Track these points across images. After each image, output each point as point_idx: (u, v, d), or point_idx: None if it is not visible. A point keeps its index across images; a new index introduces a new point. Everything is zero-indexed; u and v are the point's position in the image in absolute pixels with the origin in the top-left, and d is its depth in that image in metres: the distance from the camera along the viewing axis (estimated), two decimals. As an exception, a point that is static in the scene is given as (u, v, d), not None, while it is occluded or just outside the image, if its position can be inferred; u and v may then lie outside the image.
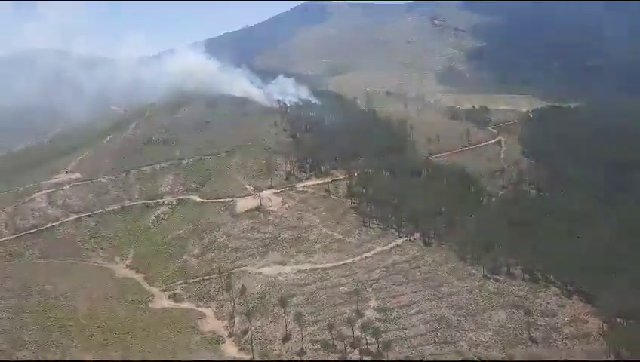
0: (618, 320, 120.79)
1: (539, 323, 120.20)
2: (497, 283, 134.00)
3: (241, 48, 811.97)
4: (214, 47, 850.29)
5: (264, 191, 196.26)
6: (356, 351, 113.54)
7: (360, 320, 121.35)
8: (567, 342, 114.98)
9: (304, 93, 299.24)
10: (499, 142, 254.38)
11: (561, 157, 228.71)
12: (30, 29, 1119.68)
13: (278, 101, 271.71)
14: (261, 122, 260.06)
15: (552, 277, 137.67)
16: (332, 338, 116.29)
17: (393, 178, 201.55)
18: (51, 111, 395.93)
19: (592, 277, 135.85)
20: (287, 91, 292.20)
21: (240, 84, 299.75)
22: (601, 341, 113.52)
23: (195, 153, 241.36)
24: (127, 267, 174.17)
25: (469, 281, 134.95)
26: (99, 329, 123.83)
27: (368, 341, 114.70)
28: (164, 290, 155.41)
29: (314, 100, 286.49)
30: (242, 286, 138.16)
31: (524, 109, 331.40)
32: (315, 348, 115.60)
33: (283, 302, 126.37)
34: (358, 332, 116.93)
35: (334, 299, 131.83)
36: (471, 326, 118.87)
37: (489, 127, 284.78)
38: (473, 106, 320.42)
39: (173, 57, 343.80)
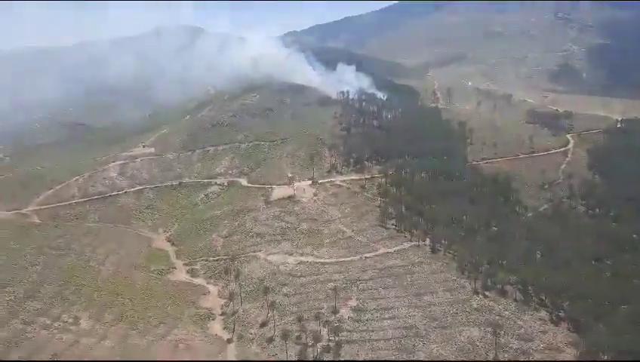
0: (601, 355, 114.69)
1: (511, 345, 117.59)
2: (485, 300, 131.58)
3: (354, 34, 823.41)
4: (326, 31, 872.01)
5: (301, 182, 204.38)
6: (317, 345, 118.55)
7: (333, 317, 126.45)
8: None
9: (370, 86, 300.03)
10: (565, 152, 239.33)
11: (633, 174, 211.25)
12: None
13: (342, 93, 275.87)
14: (321, 113, 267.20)
15: (546, 300, 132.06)
16: (300, 331, 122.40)
17: (430, 181, 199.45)
18: (161, 87, 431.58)
19: (594, 306, 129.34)
20: (354, 84, 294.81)
21: (306, 73, 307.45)
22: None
23: (255, 138, 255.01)
24: (165, 239, 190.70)
25: (456, 294, 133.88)
26: (108, 292, 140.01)
27: (331, 337, 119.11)
28: (186, 264, 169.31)
29: (379, 94, 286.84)
30: (237, 270, 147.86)
31: (618, 117, 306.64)
32: (280, 336, 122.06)
33: (266, 291, 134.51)
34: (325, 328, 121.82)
35: (319, 294, 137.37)
36: (437, 339, 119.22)
37: (568, 134, 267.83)
38: (557, 110, 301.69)
39: (254, 43, 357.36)
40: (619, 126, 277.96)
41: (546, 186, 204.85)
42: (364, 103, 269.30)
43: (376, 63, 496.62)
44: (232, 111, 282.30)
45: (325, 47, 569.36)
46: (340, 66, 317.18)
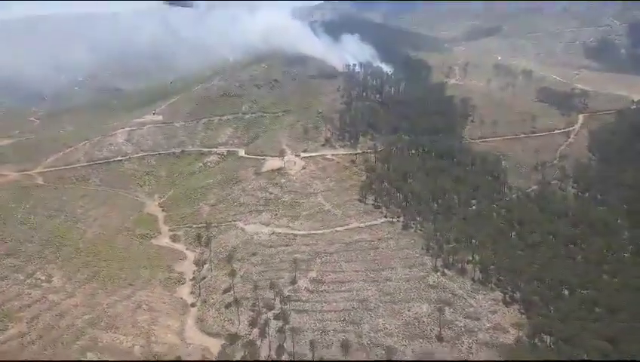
0: (543, 336, 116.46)
1: (457, 323, 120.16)
2: (442, 278, 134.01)
3: (394, 3, 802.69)
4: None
5: (293, 155, 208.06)
6: (269, 313, 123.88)
7: (290, 287, 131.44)
8: (472, 347, 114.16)
9: (378, 59, 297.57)
10: (568, 132, 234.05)
11: (631, 158, 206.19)
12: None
13: (348, 66, 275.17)
14: (325, 86, 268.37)
15: (505, 281, 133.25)
16: (254, 298, 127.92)
17: (419, 158, 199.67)
18: (186, 55, 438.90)
19: (549, 289, 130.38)
20: (361, 57, 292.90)
21: (315, 45, 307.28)
22: (507, 352, 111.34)
23: (259, 109, 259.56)
24: (158, 205, 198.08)
25: (415, 271, 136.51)
26: (87, 253, 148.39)
27: (283, 306, 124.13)
28: (171, 230, 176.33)
29: (385, 68, 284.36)
30: (208, 238, 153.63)
31: (637, 97, 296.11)
32: (233, 302, 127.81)
33: (230, 258, 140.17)
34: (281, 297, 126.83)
35: (284, 264, 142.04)
36: (385, 313, 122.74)
37: (580, 114, 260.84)
38: (573, 89, 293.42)
39: (269, 14, 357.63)
40: (633, 107, 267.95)
41: (539, 167, 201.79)
42: (368, 77, 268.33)
43: (401, 35, 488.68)
44: (239, 82, 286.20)
45: (348, 17, 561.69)
46: (345, 38, 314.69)
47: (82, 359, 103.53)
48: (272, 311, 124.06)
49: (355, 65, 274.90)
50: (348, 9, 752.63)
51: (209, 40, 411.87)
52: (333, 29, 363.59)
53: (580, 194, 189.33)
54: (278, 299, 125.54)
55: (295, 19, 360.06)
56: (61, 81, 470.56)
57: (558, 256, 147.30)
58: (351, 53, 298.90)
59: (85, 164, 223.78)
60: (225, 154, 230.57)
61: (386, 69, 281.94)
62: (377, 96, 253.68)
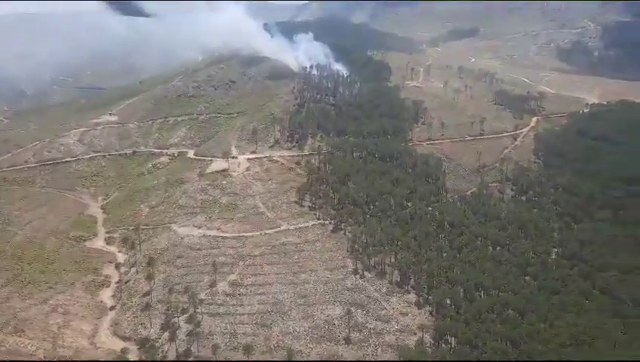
0: (448, 338, 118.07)
1: (367, 325, 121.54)
2: (360, 280, 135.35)
3: (382, 5, 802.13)
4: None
5: (240, 156, 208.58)
6: (181, 317, 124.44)
7: (209, 290, 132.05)
8: (378, 349, 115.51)
9: (334, 60, 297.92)
10: (515, 135, 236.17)
11: (571, 161, 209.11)
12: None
13: (304, 68, 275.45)
14: (280, 87, 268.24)
15: (421, 283, 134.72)
16: (170, 301, 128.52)
17: (362, 160, 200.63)
18: (158, 54, 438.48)
19: (465, 291, 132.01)
20: (319, 59, 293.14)
21: (274, 46, 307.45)
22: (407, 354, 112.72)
23: (214, 110, 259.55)
24: (100, 206, 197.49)
25: (335, 273, 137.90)
26: (11, 255, 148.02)
27: (197, 310, 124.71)
28: (108, 232, 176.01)
29: (342, 70, 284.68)
30: (132, 241, 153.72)
31: (593, 100, 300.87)
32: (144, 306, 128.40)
33: (151, 262, 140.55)
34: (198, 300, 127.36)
35: (206, 267, 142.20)
36: (297, 316, 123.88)
37: (535, 117, 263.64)
38: (528, 92, 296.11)
39: (228, 14, 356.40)
40: (586, 110, 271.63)
41: (481, 170, 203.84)
42: (323, 79, 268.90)
43: (375, 36, 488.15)
44: (197, 83, 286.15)
45: (325, 18, 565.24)
46: (306, 39, 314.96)
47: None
48: (185, 315, 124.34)
49: (311, 66, 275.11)
50: (336, 9, 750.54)
51: (180, 41, 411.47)
52: (303, 30, 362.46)
53: (517, 196, 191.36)
54: (192, 303, 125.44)
55: (267, 19, 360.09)
56: (45, 79, 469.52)
57: (483, 258, 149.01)
58: (310, 54, 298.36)
59: (33, 165, 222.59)
60: (175, 155, 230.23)
61: (343, 70, 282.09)
62: (331, 98, 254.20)
